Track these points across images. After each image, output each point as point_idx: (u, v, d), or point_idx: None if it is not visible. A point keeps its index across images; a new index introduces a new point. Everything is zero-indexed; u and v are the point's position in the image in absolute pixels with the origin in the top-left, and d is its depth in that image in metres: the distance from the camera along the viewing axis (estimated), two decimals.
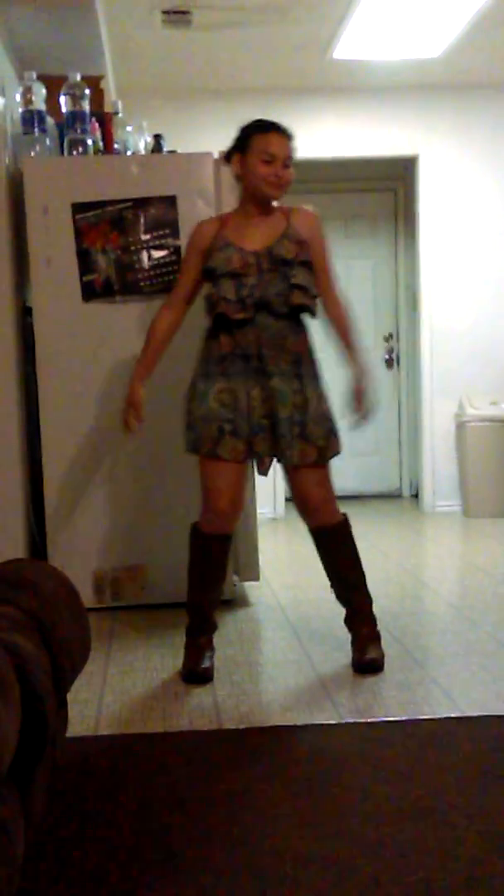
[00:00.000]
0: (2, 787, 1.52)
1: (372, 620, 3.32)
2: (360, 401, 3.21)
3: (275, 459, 3.18)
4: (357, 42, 5.24)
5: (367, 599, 3.33)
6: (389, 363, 7.14)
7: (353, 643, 3.30)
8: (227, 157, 3.16)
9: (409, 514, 6.56)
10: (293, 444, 3.10)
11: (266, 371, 3.08)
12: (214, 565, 3.26)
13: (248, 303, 3.06)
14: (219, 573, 3.28)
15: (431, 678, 3.13)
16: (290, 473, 3.19)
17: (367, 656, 3.22)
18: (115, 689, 3.14)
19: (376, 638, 3.30)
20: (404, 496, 7.16)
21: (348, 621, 3.33)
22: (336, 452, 3.20)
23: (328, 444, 3.15)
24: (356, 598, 3.32)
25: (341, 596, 3.33)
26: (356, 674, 3.19)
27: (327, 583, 3.33)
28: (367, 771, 2.41)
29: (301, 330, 3.16)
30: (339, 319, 3.23)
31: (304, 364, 3.14)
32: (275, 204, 3.18)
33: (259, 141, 3.05)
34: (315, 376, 3.18)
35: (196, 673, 3.19)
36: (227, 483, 3.14)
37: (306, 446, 3.11)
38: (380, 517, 6.44)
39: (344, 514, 3.28)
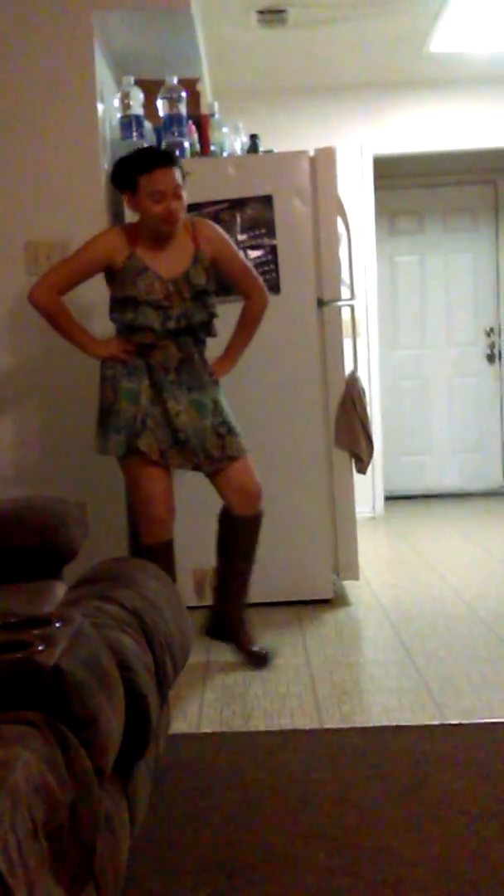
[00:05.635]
0: (107, 784, 1.55)
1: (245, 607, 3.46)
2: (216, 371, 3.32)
3: (195, 465, 3.25)
4: (454, 34, 5.17)
5: (248, 589, 3.46)
6: (491, 358, 7.01)
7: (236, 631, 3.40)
8: (119, 188, 3.19)
9: None
10: (227, 441, 3.24)
11: (184, 384, 3.20)
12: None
13: (172, 330, 3.16)
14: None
15: None
16: (226, 469, 3.27)
17: (254, 648, 3.37)
18: (216, 687, 3.16)
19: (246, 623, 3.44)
20: None
21: (218, 596, 3.45)
22: None
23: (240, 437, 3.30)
24: (242, 585, 3.41)
25: (230, 578, 3.41)
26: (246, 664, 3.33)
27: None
28: (472, 773, 2.38)
29: (202, 344, 3.28)
30: (252, 312, 3.33)
31: (205, 373, 3.26)
32: None
33: (145, 182, 3.08)
34: (215, 382, 3.29)
35: None
36: (161, 489, 3.24)
37: (233, 438, 3.26)
38: (483, 515, 6.33)
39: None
